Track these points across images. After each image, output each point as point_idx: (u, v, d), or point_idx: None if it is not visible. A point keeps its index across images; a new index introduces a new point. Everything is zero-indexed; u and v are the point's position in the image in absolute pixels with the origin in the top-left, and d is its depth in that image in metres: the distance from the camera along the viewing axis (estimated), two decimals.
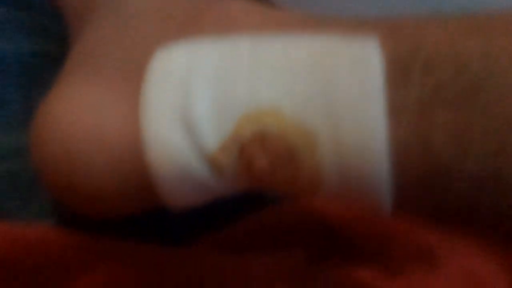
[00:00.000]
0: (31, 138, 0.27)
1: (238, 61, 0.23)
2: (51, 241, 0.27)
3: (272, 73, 0.23)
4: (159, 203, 0.25)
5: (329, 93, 0.21)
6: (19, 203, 0.31)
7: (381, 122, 0.20)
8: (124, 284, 0.27)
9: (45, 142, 0.26)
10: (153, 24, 0.26)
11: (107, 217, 0.27)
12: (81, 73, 0.26)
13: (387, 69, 0.21)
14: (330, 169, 0.22)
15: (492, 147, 0.19)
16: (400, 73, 0.21)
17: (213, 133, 0.23)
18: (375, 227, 0.35)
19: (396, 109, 0.20)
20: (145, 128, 0.24)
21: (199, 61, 0.24)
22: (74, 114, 0.25)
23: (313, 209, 0.34)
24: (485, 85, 0.20)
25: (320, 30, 0.23)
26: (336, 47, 0.22)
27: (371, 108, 0.21)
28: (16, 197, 0.32)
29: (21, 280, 0.26)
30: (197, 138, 0.23)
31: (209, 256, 0.30)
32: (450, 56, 0.20)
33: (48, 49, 0.38)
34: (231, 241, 0.32)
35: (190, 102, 0.23)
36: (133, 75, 0.25)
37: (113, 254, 0.27)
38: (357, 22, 0.24)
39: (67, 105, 0.26)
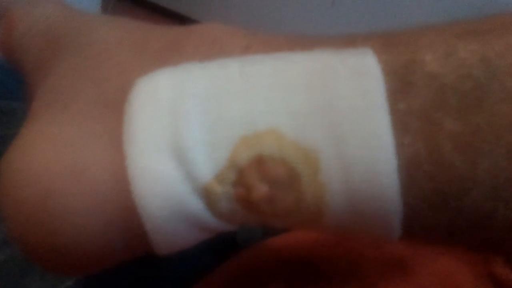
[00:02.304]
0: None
1: (229, 82, 0.21)
2: None
3: (266, 93, 0.21)
4: (146, 248, 0.23)
5: (329, 108, 0.20)
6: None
7: (388, 132, 0.19)
8: None
9: (13, 187, 0.22)
10: (128, 55, 0.24)
11: (87, 271, 0.25)
12: (50, 112, 0.24)
13: (386, 79, 0.20)
14: (336, 189, 0.20)
15: (502, 151, 0.19)
16: (400, 83, 0.20)
17: (207, 161, 0.21)
18: (344, 249, 0.36)
19: (401, 118, 0.19)
20: (130, 161, 0.21)
21: (186, 85, 0.22)
22: (46, 152, 0.22)
23: (284, 244, 0.36)
24: (489, 90, 0.19)
25: (309, 48, 0.22)
26: (333, 61, 0.21)
27: (377, 120, 0.19)
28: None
29: None
30: (190, 168, 0.21)
31: None
32: (449, 63, 0.20)
33: (11, 107, 0.39)
34: None
35: (180, 130, 0.21)
36: (110, 107, 0.23)
37: None
38: (347, 37, 0.22)
39: (36, 144, 0.23)
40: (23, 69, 0.28)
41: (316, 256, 0.36)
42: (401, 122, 0.19)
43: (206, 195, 0.21)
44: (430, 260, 0.38)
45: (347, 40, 0.22)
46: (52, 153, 0.22)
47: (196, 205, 0.21)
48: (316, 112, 0.20)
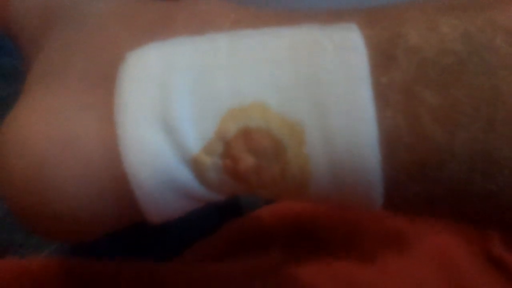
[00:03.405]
0: None
1: (217, 56, 0.22)
2: (52, 271, 0.30)
3: (253, 67, 0.22)
4: (139, 216, 0.23)
5: (314, 81, 0.21)
6: (22, 236, 0.35)
7: (370, 105, 0.20)
8: None
9: (8, 158, 0.23)
10: (119, 29, 0.25)
11: (82, 238, 0.26)
12: (43, 84, 0.25)
13: (370, 54, 0.20)
14: (319, 160, 0.21)
15: (480, 124, 0.19)
16: (383, 57, 0.20)
17: (196, 133, 0.22)
18: (343, 220, 0.37)
19: (383, 91, 0.20)
20: (121, 131, 0.22)
21: (175, 59, 0.22)
22: (39, 123, 0.23)
23: (285, 211, 0.37)
24: (469, 64, 0.20)
25: (297, 23, 0.22)
26: (318, 35, 0.21)
27: (360, 93, 0.20)
28: (19, 231, 0.36)
29: None
30: (178, 139, 0.22)
31: (193, 267, 0.32)
32: (431, 38, 0.20)
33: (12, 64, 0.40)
34: (213, 250, 0.34)
35: (169, 102, 0.22)
36: (101, 80, 0.23)
37: (110, 276, 0.30)
38: (333, 13, 0.23)
39: (31, 116, 0.23)
40: (19, 42, 0.29)
41: (316, 225, 0.37)
42: (383, 96, 0.20)
43: (195, 166, 0.22)
44: (427, 236, 0.38)
45: (333, 15, 0.22)
46: (45, 125, 0.23)
47: (185, 175, 0.22)
48: (301, 85, 0.21)
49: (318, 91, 0.21)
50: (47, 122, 0.23)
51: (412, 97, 0.20)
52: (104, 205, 0.23)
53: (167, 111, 0.22)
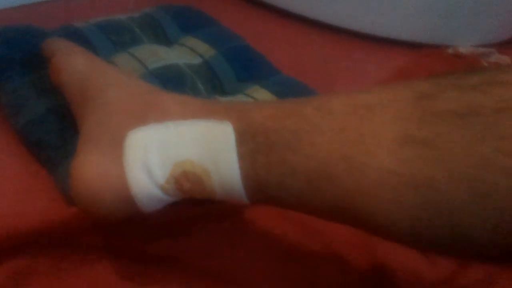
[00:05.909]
0: (71, 190, 0.44)
1: (170, 136, 0.41)
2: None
3: (187, 142, 0.41)
4: (139, 212, 0.44)
5: (213, 150, 0.40)
6: None
7: (235, 162, 0.39)
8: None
9: (78, 191, 0.44)
10: (124, 116, 0.44)
11: (113, 222, 0.46)
12: (89, 147, 0.44)
13: (236, 137, 0.39)
14: (217, 187, 0.41)
15: (287, 171, 0.37)
16: (241, 139, 0.39)
17: (161, 174, 0.41)
18: None
19: (242, 155, 0.39)
20: (128, 174, 0.42)
21: (150, 137, 0.42)
22: (92, 170, 0.43)
23: None
24: (276, 145, 0.37)
25: (208, 114, 0.42)
26: (215, 128, 0.40)
27: (230, 156, 0.39)
28: None
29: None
30: (154, 177, 0.41)
31: (178, 210, 0.52)
32: (261, 131, 0.38)
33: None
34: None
35: (148, 159, 0.41)
36: (116, 147, 0.42)
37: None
38: (226, 108, 0.42)
39: (86, 166, 0.43)
40: (67, 97, 0.51)
41: None
42: (241, 157, 0.40)
43: (163, 189, 0.43)
44: None
45: (226, 109, 0.42)
46: (94, 170, 0.43)
47: (159, 193, 0.43)
48: (208, 151, 0.41)
49: (215, 154, 0.41)
50: (94, 169, 0.44)
51: (254, 159, 0.39)
52: (122, 207, 0.45)
53: (148, 163, 0.42)
